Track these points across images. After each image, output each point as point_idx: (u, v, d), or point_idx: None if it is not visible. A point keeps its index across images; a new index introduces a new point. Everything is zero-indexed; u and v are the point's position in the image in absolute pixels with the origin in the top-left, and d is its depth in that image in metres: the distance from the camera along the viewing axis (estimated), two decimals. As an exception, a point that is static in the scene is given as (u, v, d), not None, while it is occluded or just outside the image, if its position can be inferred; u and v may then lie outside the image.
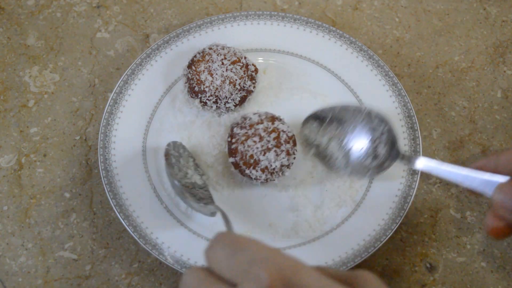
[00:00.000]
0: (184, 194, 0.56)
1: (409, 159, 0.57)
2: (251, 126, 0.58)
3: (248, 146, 0.57)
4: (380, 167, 0.59)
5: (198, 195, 0.58)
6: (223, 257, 0.34)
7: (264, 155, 0.57)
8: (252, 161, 0.57)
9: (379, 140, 0.59)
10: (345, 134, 0.60)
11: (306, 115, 0.63)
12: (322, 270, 0.35)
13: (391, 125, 0.58)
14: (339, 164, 0.61)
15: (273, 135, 0.58)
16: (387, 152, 0.58)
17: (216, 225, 0.60)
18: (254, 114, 0.60)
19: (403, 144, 0.62)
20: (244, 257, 0.33)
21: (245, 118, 0.60)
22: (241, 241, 0.34)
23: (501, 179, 0.43)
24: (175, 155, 0.60)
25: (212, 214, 0.56)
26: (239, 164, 0.58)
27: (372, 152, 0.59)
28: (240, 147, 0.58)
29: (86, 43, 0.73)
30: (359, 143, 0.60)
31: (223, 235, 0.35)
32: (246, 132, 0.58)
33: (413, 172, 0.61)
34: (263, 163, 0.57)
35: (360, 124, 0.59)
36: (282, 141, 0.58)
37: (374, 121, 0.59)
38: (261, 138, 0.57)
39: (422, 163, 0.55)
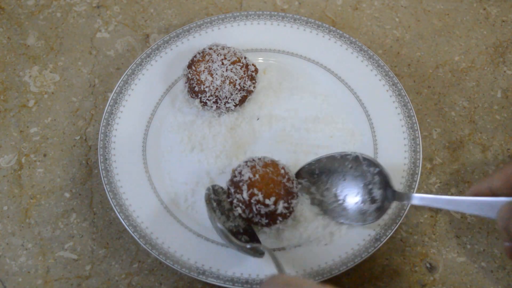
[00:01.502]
0: (229, 238, 0.53)
1: (405, 196, 0.55)
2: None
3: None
4: (380, 210, 0.57)
5: (244, 238, 0.56)
6: None
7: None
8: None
9: (373, 183, 0.57)
10: (337, 183, 0.58)
11: (296, 171, 0.60)
12: None
13: (382, 166, 0.56)
14: (338, 213, 0.58)
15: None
16: (382, 195, 0.56)
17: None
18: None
19: (403, 144, 0.62)
20: None
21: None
22: (292, 283, 0.34)
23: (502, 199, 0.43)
24: (215, 199, 0.57)
25: (260, 255, 0.54)
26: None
27: (369, 197, 0.57)
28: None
29: (86, 43, 0.73)
30: (353, 190, 0.58)
31: (273, 278, 0.35)
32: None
33: (413, 172, 0.61)
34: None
35: (350, 171, 0.58)
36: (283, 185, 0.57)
37: (363, 165, 0.57)
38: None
39: (418, 199, 0.54)
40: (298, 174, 0.60)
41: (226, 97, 0.62)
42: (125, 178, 0.61)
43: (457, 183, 0.64)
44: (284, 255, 0.58)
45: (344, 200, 0.58)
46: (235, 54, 0.64)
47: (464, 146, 0.67)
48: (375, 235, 0.58)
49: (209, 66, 0.62)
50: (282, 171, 0.57)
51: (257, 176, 0.56)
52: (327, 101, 0.67)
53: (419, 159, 0.61)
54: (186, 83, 0.64)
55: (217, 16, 0.69)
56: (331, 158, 0.58)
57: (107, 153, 0.62)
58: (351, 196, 0.58)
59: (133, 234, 0.58)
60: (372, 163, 0.56)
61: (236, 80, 0.62)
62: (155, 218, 0.59)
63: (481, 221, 0.62)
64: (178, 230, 0.59)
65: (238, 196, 0.56)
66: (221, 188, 0.59)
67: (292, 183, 0.57)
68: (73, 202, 0.63)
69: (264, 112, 0.66)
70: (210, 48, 0.64)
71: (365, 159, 0.57)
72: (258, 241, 0.56)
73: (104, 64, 0.71)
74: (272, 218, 0.56)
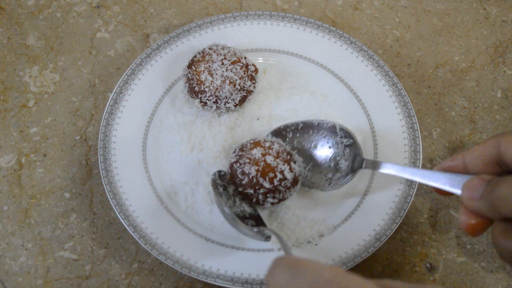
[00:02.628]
0: (236, 221, 0.54)
1: (373, 164, 0.57)
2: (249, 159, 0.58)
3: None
4: (340, 180, 0.59)
5: (250, 223, 0.56)
6: (284, 282, 0.33)
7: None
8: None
9: (342, 154, 0.60)
10: (307, 151, 0.61)
11: (270, 131, 0.63)
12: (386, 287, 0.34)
13: (356, 140, 0.59)
14: (303, 178, 0.60)
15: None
16: (349, 166, 0.59)
17: (215, 224, 0.60)
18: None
19: (403, 144, 0.62)
20: (306, 280, 0.32)
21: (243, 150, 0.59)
22: (301, 264, 0.33)
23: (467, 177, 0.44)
24: (221, 184, 0.58)
25: (267, 239, 0.54)
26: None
27: (334, 166, 0.60)
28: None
29: (86, 43, 0.73)
30: (320, 159, 0.60)
31: (281, 259, 0.35)
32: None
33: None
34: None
35: (322, 139, 0.61)
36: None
37: (339, 135, 0.60)
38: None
39: (386, 167, 0.56)
40: (274, 132, 0.62)
41: (226, 97, 0.62)
42: (125, 178, 0.61)
43: (457, 183, 0.64)
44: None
45: (310, 169, 0.60)
46: (235, 54, 0.64)
47: (464, 146, 0.67)
48: (375, 235, 0.58)
49: (209, 66, 0.62)
50: (267, 143, 0.59)
51: (261, 163, 0.57)
52: (327, 101, 0.67)
53: (419, 159, 0.61)
54: (186, 83, 0.64)
55: (217, 16, 0.69)
56: (308, 124, 0.61)
57: (107, 153, 0.62)
58: (317, 165, 0.60)
59: (133, 234, 0.58)
60: (347, 134, 0.59)
61: (236, 80, 0.62)
62: (155, 218, 0.59)
63: (481, 221, 0.62)
64: (178, 230, 0.59)
65: (262, 190, 0.56)
66: (226, 173, 0.59)
67: (278, 143, 0.60)
68: (73, 202, 0.63)
69: (264, 112, 0.66)
70: (210, 48, 0.64)
71: (341, 129, 0.60)
72: (264, 225, 0.56)
73: (104, 64, 0.71)
74: (296, 182, 0.59)
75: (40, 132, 0.67)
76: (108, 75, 0.71)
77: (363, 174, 0.62)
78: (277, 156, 0.57)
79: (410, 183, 0.60)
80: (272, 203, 0.58)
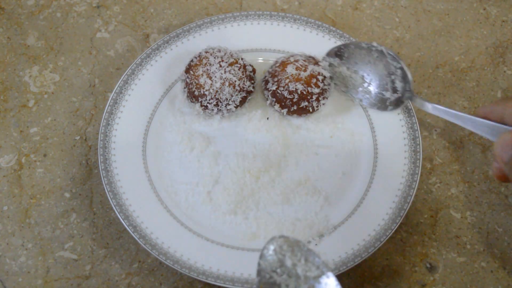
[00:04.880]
0: None
1: (420, 102, 0.60)
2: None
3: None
4: (399, 101, 0.62)
5: None
6: None
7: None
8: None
9: (395, 75, 0.61)
10: (365, 68, 0.63)
11: (326, 52, 0.65)
12: None
13: (403, 64, 0.61)
14: (361, 95, 0.64)
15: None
16: (403, 87, 0.61)
17: (215, 224, 0.60)
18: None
19: (403, 144, 0.62)
20: None
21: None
22: None
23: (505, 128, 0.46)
24: (286, 271, 0.39)
25: None
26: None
27: (391, 86, 0.62)
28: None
29: (86, 43, 0.73)
30: (377, 76, 0.63)
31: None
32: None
33: (413, 172, 0.61)
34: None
35: (376, 60, 0.62)
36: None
37: (388, 58, 0.61)
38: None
39: (431, 108, 0.59)
40: (329, 54, 0.65)
41: (227, 99, 0.62)
42: (125, 178, 0.61)
43: (457, 183, 0.64)
44: (284, 255, 0.58)
45: (369, 84, 0.63)
46: (231, 55, 0.63)
47: (464, 146, 0.67)
48: (375, 235, 0.58)
49: (207, 70, 0.62)
50: (291, 58, 0.64)
51: (301, 75, 0.61)
52: (327, 101, 0.66)
53: (419, 159, 0.61)
54: (185, 88, 0.64)
55: (217, 16, 0.69)
56: (358, 45, 0.63)
57: (107, 153, 0.62)
58: (376, 82, 0.63)
59: (133, 234, 0.58)
60: (395, 58, 0.61)
61: (235, 81, 0.62)
62: (155, 218, 0.60)
63: (481, 221, 0.62)
64: (178, 230, 0.59)
65: (314, 97, 0.62)
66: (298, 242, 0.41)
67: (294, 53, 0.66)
68: (73, 202, 0.63)
69: (263, 112, 0.66)
70: (206, 52, 0.64)
71: (389, 53, 0.61)
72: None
73: (104, 64, 0.71)
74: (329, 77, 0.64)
75: (40, 132, 0.67)
76: (108, 75, 0.71)
77: (363, 174, 0.62)
78: (308, 63, 0.62)
79: (410, 183, 0.60)
80: (323, 103, 0.63)
